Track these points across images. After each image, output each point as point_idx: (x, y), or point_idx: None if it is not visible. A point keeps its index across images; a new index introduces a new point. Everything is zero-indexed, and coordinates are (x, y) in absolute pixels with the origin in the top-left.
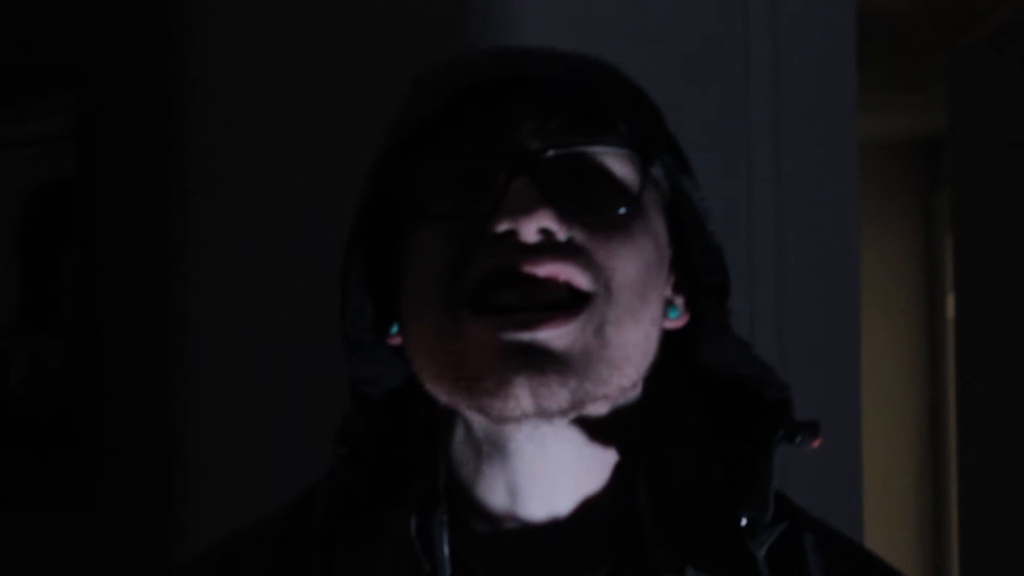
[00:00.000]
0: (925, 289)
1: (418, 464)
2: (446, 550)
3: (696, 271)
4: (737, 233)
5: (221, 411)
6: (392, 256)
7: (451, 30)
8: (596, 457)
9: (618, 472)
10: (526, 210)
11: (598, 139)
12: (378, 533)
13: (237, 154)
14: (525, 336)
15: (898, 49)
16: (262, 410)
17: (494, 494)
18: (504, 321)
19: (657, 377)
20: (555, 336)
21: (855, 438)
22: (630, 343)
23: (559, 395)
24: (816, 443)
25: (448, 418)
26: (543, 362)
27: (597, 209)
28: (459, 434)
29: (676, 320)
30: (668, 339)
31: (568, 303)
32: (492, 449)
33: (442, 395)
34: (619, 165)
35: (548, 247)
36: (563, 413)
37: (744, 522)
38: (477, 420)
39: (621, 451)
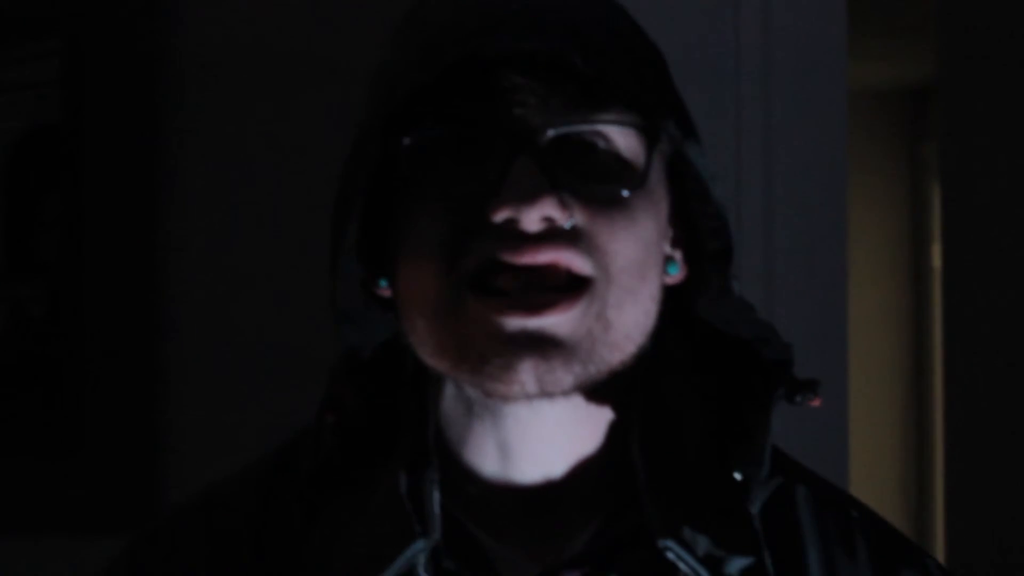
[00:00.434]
0: (911, 238)
1: (406, 420)
2: (437, 509)
3: (699, 234)
4: (725, 181)
5: (208, 358)
6: (382, 217)
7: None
8: (592, 417)
9: (613, 430)
10: (528, 199)
11: (603, 113)
12: (364, 491)
13: (226, 98)
14: (532, 323)
15: None
16: (250, 353)
17: (484, 452)
18: (508, 305)
19: (655, 335)
20: (559, 322)
21: (842, 388)
22: (631, 323)
23: (563, 380)
24: (817, 402)
25: (437, 373)
26: (549, 349)
27: (601, 191)
28: (449, 390)
29: (675, 276)
30: (667, 294)
31: (568, 287)
32: (483, 409)
33: (441, 370)
34: (624, 140)
35: (549, 235)
36: (565, 394)
37: (739, 478)
38: None
39: (617, 409)
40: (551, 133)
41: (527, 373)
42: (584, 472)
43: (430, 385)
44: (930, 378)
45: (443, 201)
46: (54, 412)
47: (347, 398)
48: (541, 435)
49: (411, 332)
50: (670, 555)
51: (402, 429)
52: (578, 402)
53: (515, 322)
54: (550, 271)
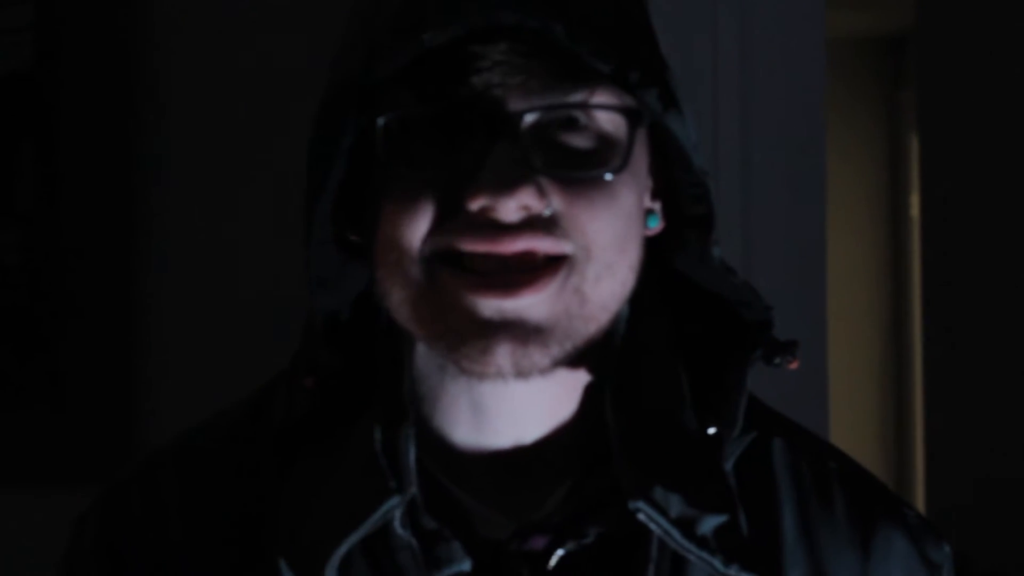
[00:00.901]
0: (889, 187)
1: (382, 374)
2: (412, 464)
3: (680, 197)
4: (703, 128)
5: (186, 306)
6: (357, 184)
7: None
8: (567, 381)
9: (588, 391)
10: (505, 188)
11: (585, 90)
12: (339, 445)
13: (204, 41)
14: (508, 304)
15: None
16: (229, 300)
17: (457, 414)
18: (484, 284)
19: (633, 291)
20: (535, 303)
21: (821, 338)
22: (607, 294)
23: (540, 362)
24: (795, 364)
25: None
26: (525, 332)
27: (581, 175)
28: (421, 348)
29: (655, 228)
30: (647, 248)
31: (545, 265)
32: (457, 373)
33: (416, 337)
34: (606, 118)
35: (526, 223)
36: (542, 373)
37: (713, 432)
38: None
39: (593, 371)
40: (529, 119)
41: (504, 357)
42: (559, 434)
43: (404, 340)
44: (909, 328)
45: (418, 183)
46: (30, 362)
47: (325, 359)
48: (516, 401)
49: (385, 298)
50: (641, 516)
51: (378, 383)
52: (554, 369)
53: (491, 304)
54: (527, 255)
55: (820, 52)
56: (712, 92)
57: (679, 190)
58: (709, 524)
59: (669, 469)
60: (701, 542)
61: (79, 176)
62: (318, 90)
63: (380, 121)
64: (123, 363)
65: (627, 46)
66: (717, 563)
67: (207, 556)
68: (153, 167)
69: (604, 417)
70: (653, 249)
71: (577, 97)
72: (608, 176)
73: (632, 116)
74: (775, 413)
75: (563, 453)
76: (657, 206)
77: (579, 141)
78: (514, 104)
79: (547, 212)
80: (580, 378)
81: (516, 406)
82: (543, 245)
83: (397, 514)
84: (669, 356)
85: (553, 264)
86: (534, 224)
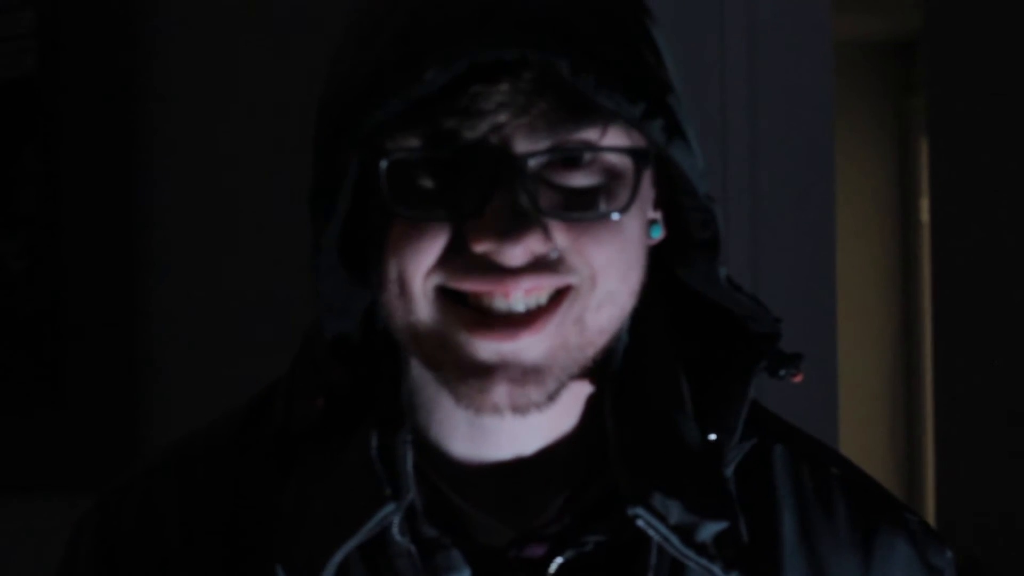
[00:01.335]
0: (899, 192)
1: (380, 382)
2: (410, 470)
3: (686, 221)
4: (711, 136)
5: (189, 311)
6: (360, 208)
7: None
8: (568, 396)
9: (589, 401)
10: (512, 235)
11: (589, 128)
12: (338, 451)
13: (206, 45)
14: (506, 347)
15: None
16: (232, 306)
17: (454, 427)
18: (485, 324)
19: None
20: (534, 343)
21: (830, 343)
22: (606, 320)
23: (536, 398)
24: (799, 378)
25: None
26: (522, 372)
27: (587, 214)
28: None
29: (657, 238)
30: (651, 258)
31: (549, 299)
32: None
33: (416, 361)
34: (614, 155)
35: (531, 265)
36: (538, 408)
37: (713, 438)
38: None
39: (593, 381)
40: (535, 161)
41: (500, 396)
42: (559, 444)
43: (403, 350)
44: (919, 332)
45: (421, 221)
46: (33, 367)
47: (335, 379)
48: (515, 421)
49: (387, 320)
50: (640, 523)
51: (376, 391)
52: (551, 402)
53: (490, 347)
54: (531, 294)
55: (828, 57)
56: (720, 98)
57: (684, 213)
58: (709, 531)
59: (668, 476)
60: (700, 549)
61: (81, 180)
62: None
63: (383, 165)
64: (125, 367)
65: (632, 75)
66: (717, 569)
67: (203, 562)
68: (154, 171)
69: (604, 425)
70: (656, 257)
71: (583, 135)
72: (615, 216)
73: (639, 156)
74: (777, 419)
75: (563, 461)
76: (659, 215)
77: (585, 179)
78: (520, 146)
79: (553, 255)
80: (581, 391)
81: (515, 425)
82: (548, 283)
83: (395, 520)
84: (670, 363)
85: (557, 297)
86: (539, 265)
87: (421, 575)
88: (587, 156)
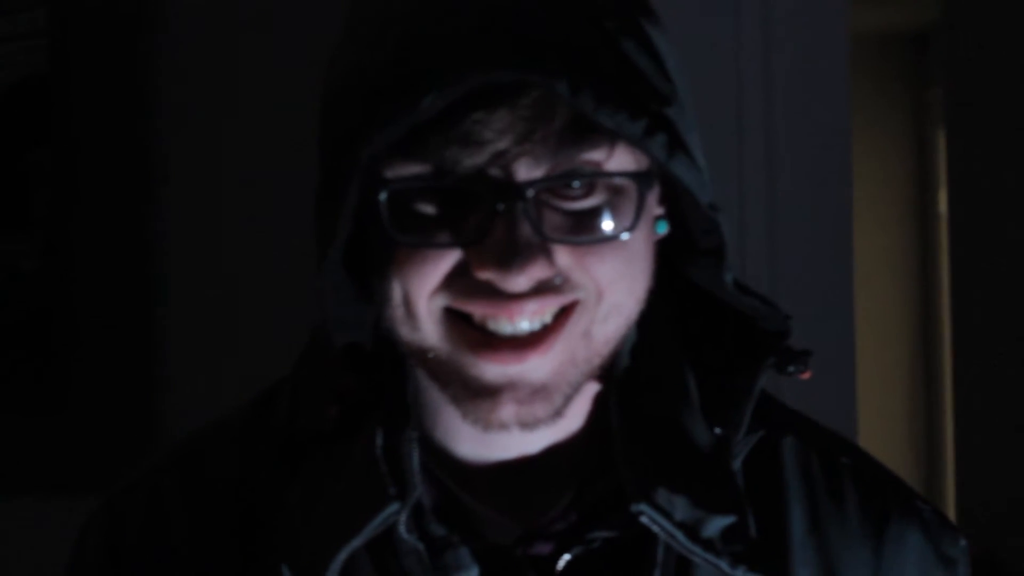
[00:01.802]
0: (917, 184)
1: (387, 381)
2: (416, 468)
3: (690, 229)
4: (727, 128)
5: (200, 312)
6: (364, 227)
7: None
8: (574, 399)
9: (595, 399)
10: (515, 264)
11: (591, 150)
12: (341, 450)
13: (217, 43)
14: (512, 370)
15: None
16: (243, 308)
17: (460, 425)
18: (491, 346)
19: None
20: (542, 363)
21: (848, 335)
22: (612, 330)
23: (542, 415)
24: (807, 375)
25: None
26: (529, 391)
27: (592, 237)
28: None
29: (663, 233)
30: (656, 255)
31: (555, 316)
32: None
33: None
34: (616, 161)
35: (535, 289)
36: (545, 424)
37: (718, 432)
38: None
39: (599, 379)
40: (531, 193)
41: (507, 414)
42: (566, 442)
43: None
44: (938, 325)
45: (422, 247)
46: (44, 368)
47: (347, 386)
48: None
49: (394, 334)
50: (644, 519)
51: (383, 390)
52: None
53: (496, 370)
54: (537, 316)
55: (844, 49)
56: (736, 92)
57: (689, 221)
58: (716, 525)
59: (674, 471)
60: (707, 544)
61: (92, 180)
62: None
63: (383, 198)
64: (136, 370)
65: (632, 89)
66: (723, 565)
67: (210, 561)
68: (166, 170)
69: (610, 422)
70: (664, 251)
71: (587, 156)
72: (623, 236)
73: (642, 179)
74: (789, 411)
75: (569, 459)
76: (664, 210)
77: (589, 200)
78: (521, 174)
79: (557, 280)
80: (587, 389)
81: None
82: (552, 303)
83: (402, 519)
84: (677, 359)
85: (562, 313)
86: (543, 288)
87: (429, 573)
88: (592, 188)
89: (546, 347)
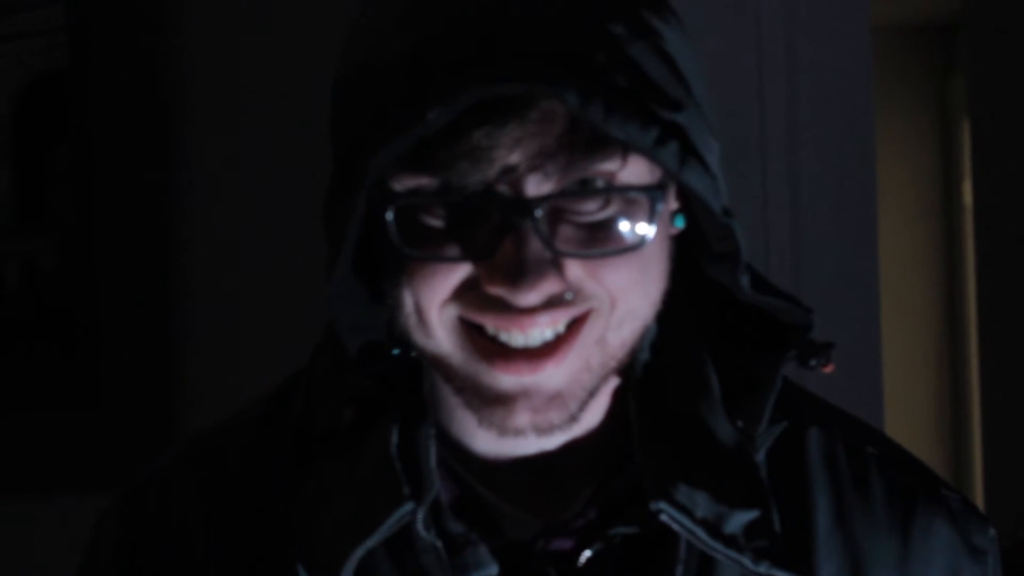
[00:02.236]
0: (941, 176)
1: (402, 378)
2: (433, 465)
3: (706, 233)
4: (749, 121)
5: (222, 306)
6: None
7: None
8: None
9: (615, 394)
10: (526, 281)
11: (602, 162)
12: (356, 447)
13: (235, 38)
14: (527, 380)
15: None
16: (266, 302)
17: (475, 428)
18: (504, 357)
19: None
20: (556, 372)
21: (874, 327)
22: (628, 335)
23: (558, 421)
24: (829, 368)
25: None
26: (544, 399)
27: (605, 250)
28: None
29: (680, 228)
30: (674, 249)
31: (568, 326)
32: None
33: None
34: (628, 172)
35: (548, 303)
36: (561, 429)
37: (740, 424)
38: None
39: (619, 374)
40: (540, 212)
41: (523, 421)
42: (585, 437)
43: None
44: (964, 317)
45: (433, 260)
46: (69, 365)
47: (363, 388)
48: None
49: (407, 339)
50: (664, 517)
51: (398, 386)
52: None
53: (510, 379)
54: (549, 327)
55: (867, 39)
56: (758, 83)
57: (704, 225)
58: (738, 521)
59: (695, 466)
60: (729, 541)
61: (113, 177)
62: None
63: (390, 216)
64: (160, 365)
65: (643, 97)
66: (746, 561)
67: (225, 558)
68: (187, 167)
69: (629, 417)
70: (682, 245)
71: (599, 167)
72: (637, 246)
73: (655, 192)
74: (815, 400)
75: (589, 454)
76: (680, 205)
77: (601, 212)
78: (531, 189)
79: (569, 296)
80: (606, 385)
81: None
82: (564, 315)
83: (419, 516)
84: (697, 353)
85: (576, 322)
86: (555, 302)
87: (447, 570)
88: (601, 183)
89: (560, 356)
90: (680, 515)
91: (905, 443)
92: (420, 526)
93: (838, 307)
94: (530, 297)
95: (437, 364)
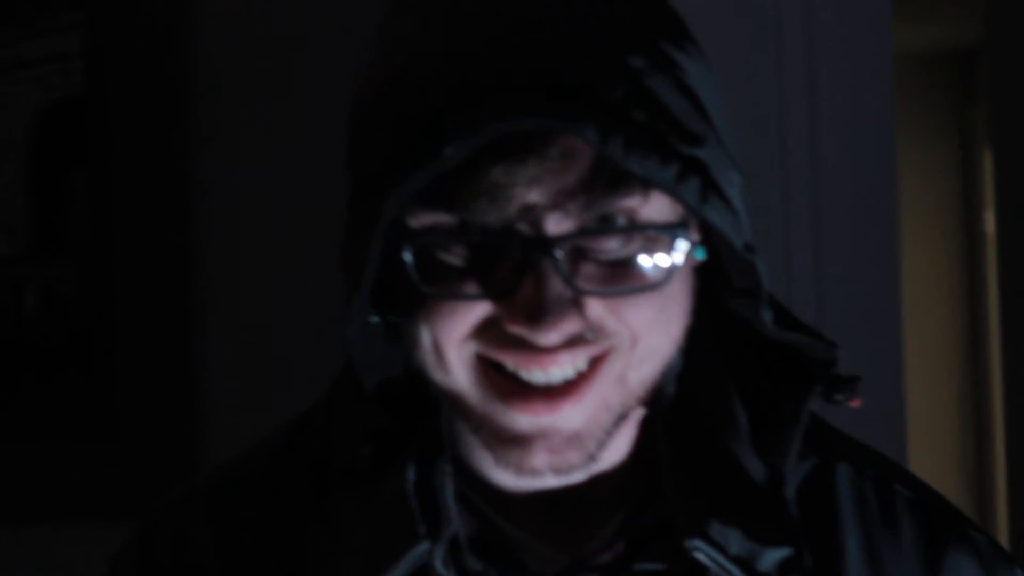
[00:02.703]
0: (963, 204)
1: (420, 413)
2: (451, 502)
3: (728, 268)
4: (770, 149)
5: (240, 333)
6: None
7: None
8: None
9: (641, 427)
10: (546, 321)
11: (623, 199)
12: (372, 483)
13: (253, 64)
14: (544, 420)
15: None
16: (286, 332)
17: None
18: (523, 396)
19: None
20: (574, 412)
21: (897, 356)
22: (648, 373)
23: (576, 462)
24: (856, 403)
25: None
26: (561, 440)
27: (625, 288)
28: None
29: (701, 259)
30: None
31: (589, 365)
32: None
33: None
34: (648, 209)
35: (568, 342)
36: (580, 470)
37: (769, 460)
38: None
39: (647, 405)
40: (560, 253)
41: (540, 463)
42: (610, 470)
43: None
44: (987, 347)
45: (451, 299)
46: (86, 393)
47: (380, 425)
48: None
49: (424, 376)
50: (699, 555)
51: (416, 422)
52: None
53: (528, 420)
54: (569, 365)
55: (888, 67)
56: (780, 111)
57: (725, 260)
58: (771, 558)
59: (726, 503)
60: None
61: (130, 202)
62: None
63: (408, 257)
64: (178, 394)
65: (663, 133)
66: None
67: None
68: (205, 192)
69: (656, 449)
70: (704, 277)
71: (621, 204)
72: (659, 284)
73: (676, 231)
74: (842, 436)
75: (615, 487)
76: (700, 237)
77: (623, 249)
78: (551, 228)
79: (589, 336)
80: (632, 417)
81: None
82: (585, 354)
83: (437, 553)
84: (723, 387)
85: (596, 360)
86: (575, 341)
87: None
88: (622, 220)
89: (579, 395)
90: (715, 552)
91: (927, 473)
92: (438, 564)
93: (859, 335)
94: (551, 336)
95: (454, 402)
